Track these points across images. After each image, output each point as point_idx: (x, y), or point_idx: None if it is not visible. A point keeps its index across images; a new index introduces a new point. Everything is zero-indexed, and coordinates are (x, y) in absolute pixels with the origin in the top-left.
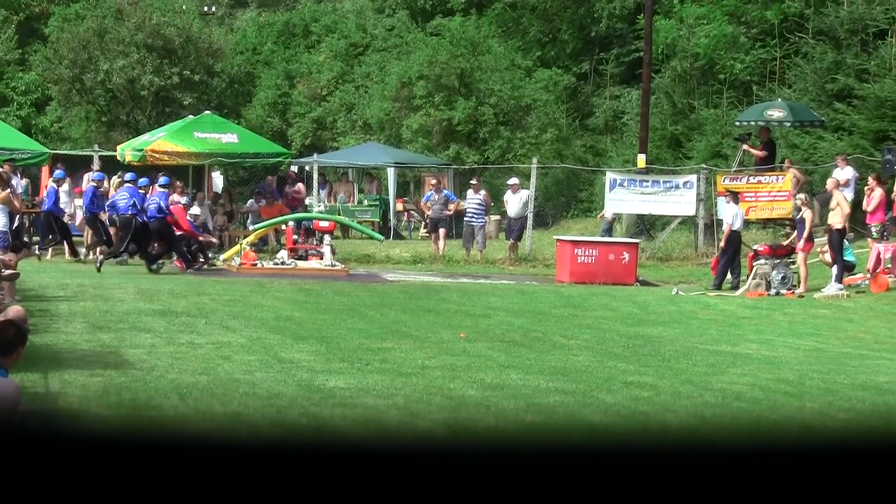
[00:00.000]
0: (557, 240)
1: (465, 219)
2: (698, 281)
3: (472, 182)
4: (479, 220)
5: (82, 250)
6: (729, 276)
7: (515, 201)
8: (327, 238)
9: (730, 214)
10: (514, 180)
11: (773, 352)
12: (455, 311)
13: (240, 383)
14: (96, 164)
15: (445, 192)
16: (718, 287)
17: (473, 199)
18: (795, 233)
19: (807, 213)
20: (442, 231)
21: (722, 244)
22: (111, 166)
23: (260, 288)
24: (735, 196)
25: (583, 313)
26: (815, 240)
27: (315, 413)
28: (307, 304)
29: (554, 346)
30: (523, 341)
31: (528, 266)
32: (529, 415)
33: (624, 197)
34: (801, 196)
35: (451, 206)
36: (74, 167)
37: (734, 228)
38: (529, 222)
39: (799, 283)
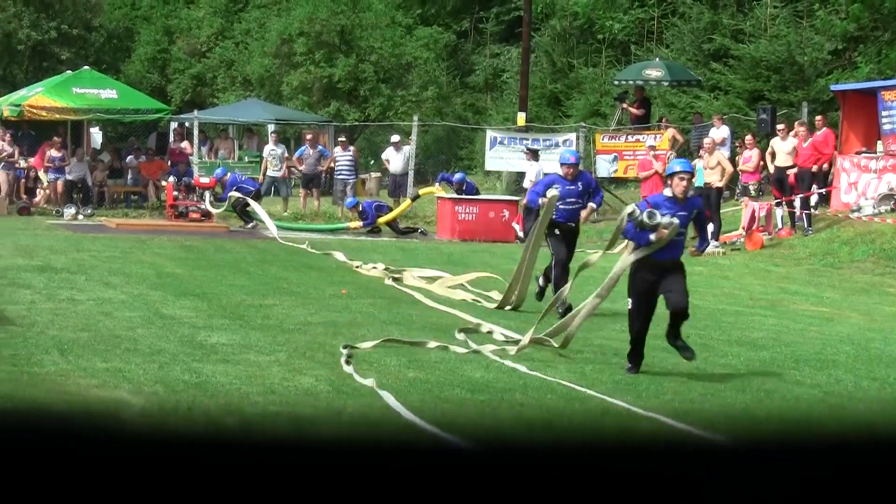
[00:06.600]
0: (438, 197)
1: (337, 176)
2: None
3: (339, 139)
4: (352, 177)
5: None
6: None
7: (399, 158)
8: (207, 194)
9: (533, 172)
10: (396, 137)
11: None
12: (336, 268)
13: (121, 339)
14: None
15: (320, 147)
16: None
17: (343, 156)
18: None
19: None
20: (315, 191)
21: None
22: None
23: (140, 244)
24: (535, 154)
25: (464, 270)
26: None
27: (197, 369)
28: (188, 261)
29: (436, 303)
30: (405, 298)
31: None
32: (411, 371)
33: (504, 155)
34: (672, 153)
35: (324, 163)
36: None
37: None
38: (410, 179)
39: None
